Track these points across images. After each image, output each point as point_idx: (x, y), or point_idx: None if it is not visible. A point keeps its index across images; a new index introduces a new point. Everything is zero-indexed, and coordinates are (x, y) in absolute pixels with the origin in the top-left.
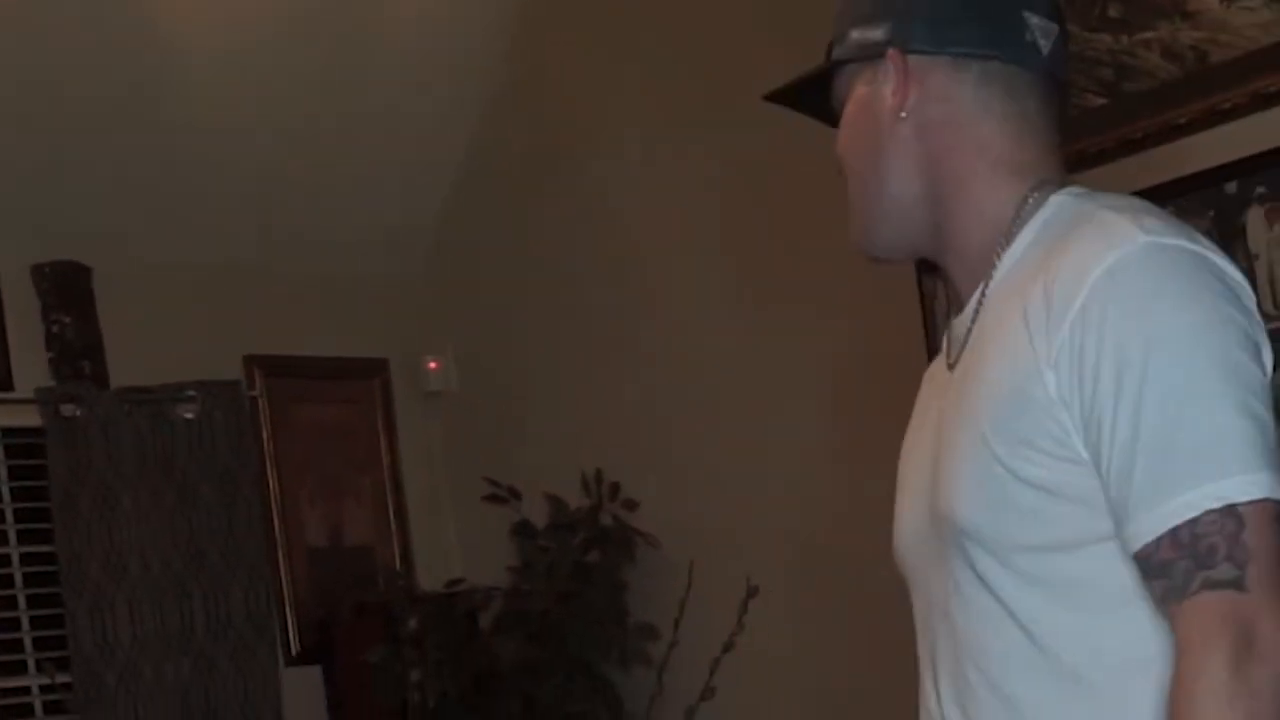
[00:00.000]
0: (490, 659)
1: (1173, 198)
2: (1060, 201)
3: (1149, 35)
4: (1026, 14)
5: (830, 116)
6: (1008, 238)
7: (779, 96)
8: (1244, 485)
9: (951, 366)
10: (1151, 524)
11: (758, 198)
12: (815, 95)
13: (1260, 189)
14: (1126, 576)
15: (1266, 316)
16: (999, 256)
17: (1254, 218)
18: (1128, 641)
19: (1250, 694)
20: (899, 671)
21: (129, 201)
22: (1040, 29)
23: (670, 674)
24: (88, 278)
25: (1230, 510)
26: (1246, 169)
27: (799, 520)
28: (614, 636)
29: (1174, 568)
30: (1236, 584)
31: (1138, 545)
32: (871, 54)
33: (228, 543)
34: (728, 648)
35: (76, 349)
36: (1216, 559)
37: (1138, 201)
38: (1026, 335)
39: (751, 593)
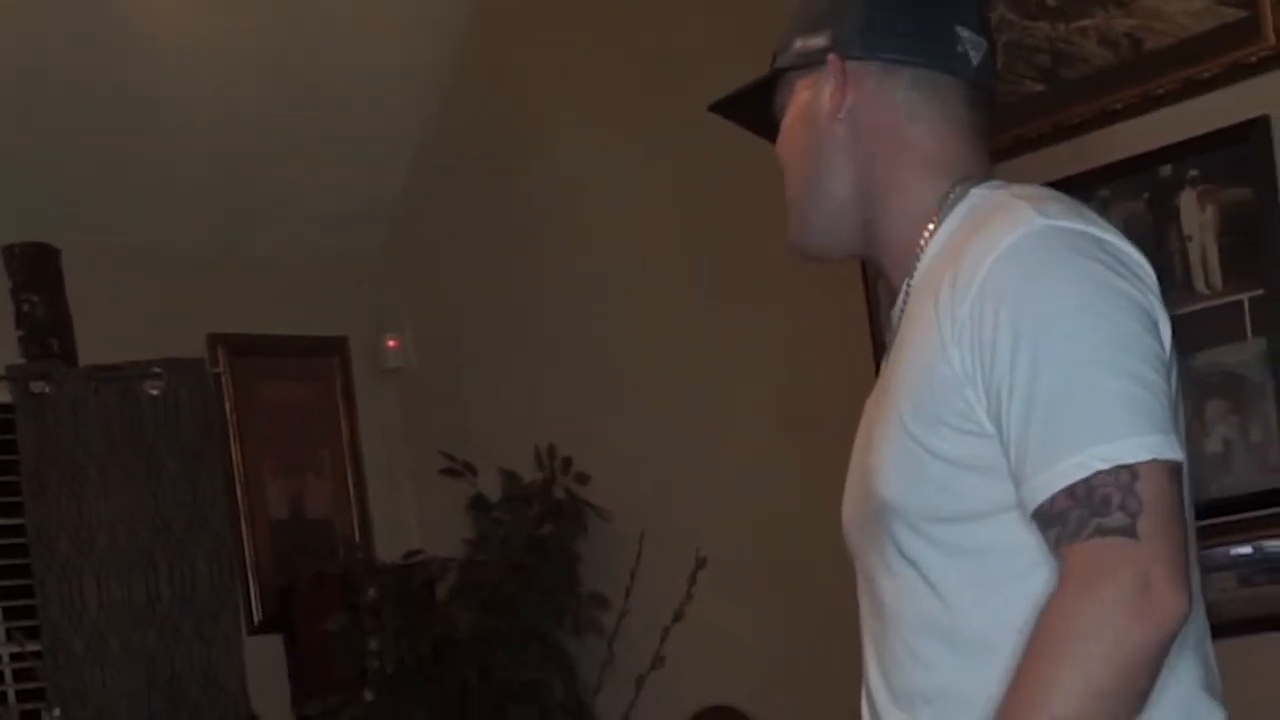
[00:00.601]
0: (447, 628)
1: (1108, 181)
2: (978, 194)
3: (1085, 23)
4: (959, 28)
5: (767, 128)
6: (930, 232)
7: (723, 106)
8: (1133, 447)
9: (887, 356)
10: (1047, 481)
11: (712, 181)
12: (757, 105)
13: (1193, 172)
14: (1033, 544)
15: (1200, 296)
16: (921, 250)
17: (1187, 200)
18: (1035, 607)
19: (1130, 641)
20: (842, 641)
21: (97, 185)
22: (970, 42)
23: (621, 643)
24: (57, 259)
25: (1122, 468)
26: (1180, 153)
27: (746, 494)
28: (567, 606)
29: (1068, 515)
30: (1128, 531)
31: (1034, 503)
32: (813, 60)
33: (192, 515)
34: (677, 617)
35: (46, 328)
36: (1110, 508)
37: (1046, 190)
38: (935, 318)
39: (700, 564)
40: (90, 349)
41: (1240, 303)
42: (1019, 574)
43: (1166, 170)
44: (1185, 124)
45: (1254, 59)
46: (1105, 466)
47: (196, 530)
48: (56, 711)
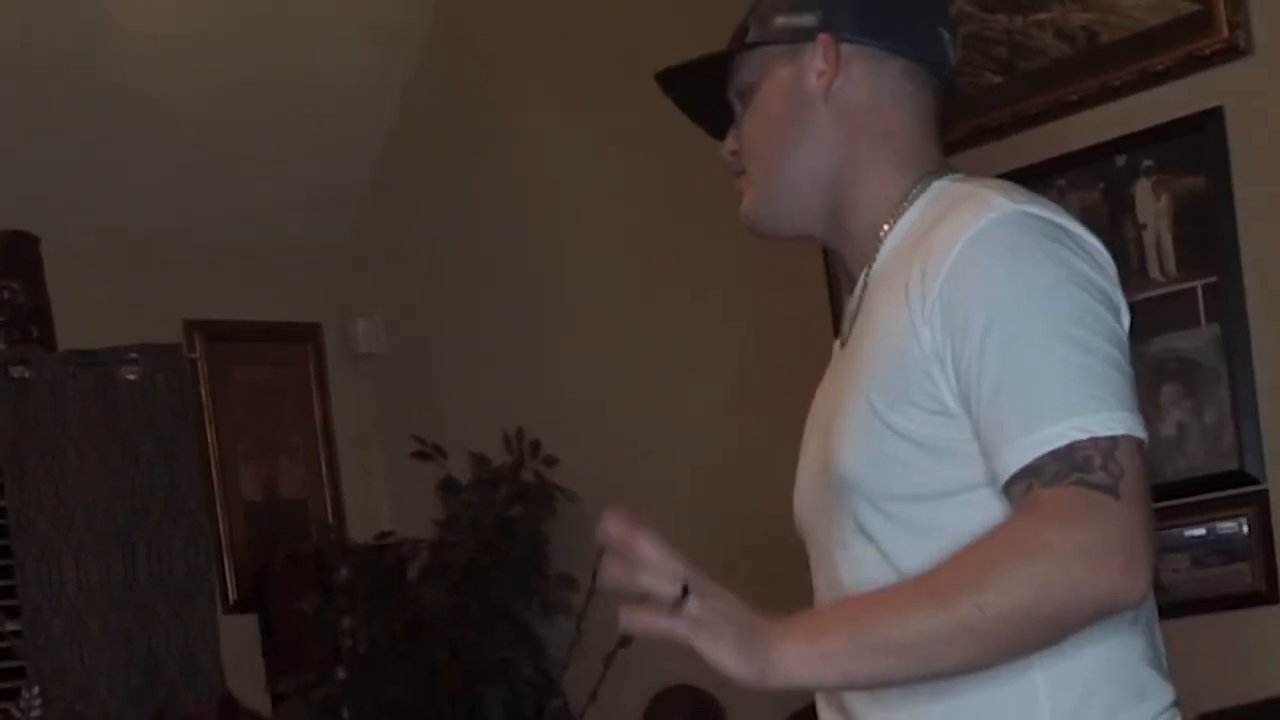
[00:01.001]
0: (418, 608)
1: (1065, 171)
2: (940, 185)
3: (1042, 16)
4: (940, 28)
5: (706, 109)
6: (893, 219)
7: (675, 73)
8: (1108, 421)
9: (844, 344)
10: (1024, 448)
11: (675, 169)
12: (706, 82)
13: (1148, 162)
14: (993, 522)
15: (1154, 283)
16: (882, 241)
17: (1142, 189)
18: None
19: (1089, 586)
20: None
21: (77, 175)
22: (949, 42)
23: (589, 622)
24: (36, 246)
25: (1100, 438)
26: (1135, 143)
27: (710, 477)
28: (535, 586)
29: (1044, 470)
30: (1111, 490)
31: (1010, 470)
32: (800, 38)
33: (168, 497)
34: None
35: (25, 314)
36: (1093, 467)
37: (1009, 183)
38: (905, 300)
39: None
40: (69, 335)
41: (1194, 289)
42: None
43: (1122, 160)
44: (1140, 115)
45: (1208, 51)
46: (1083, 436)
47: (173, 512)
48: (36, 690)
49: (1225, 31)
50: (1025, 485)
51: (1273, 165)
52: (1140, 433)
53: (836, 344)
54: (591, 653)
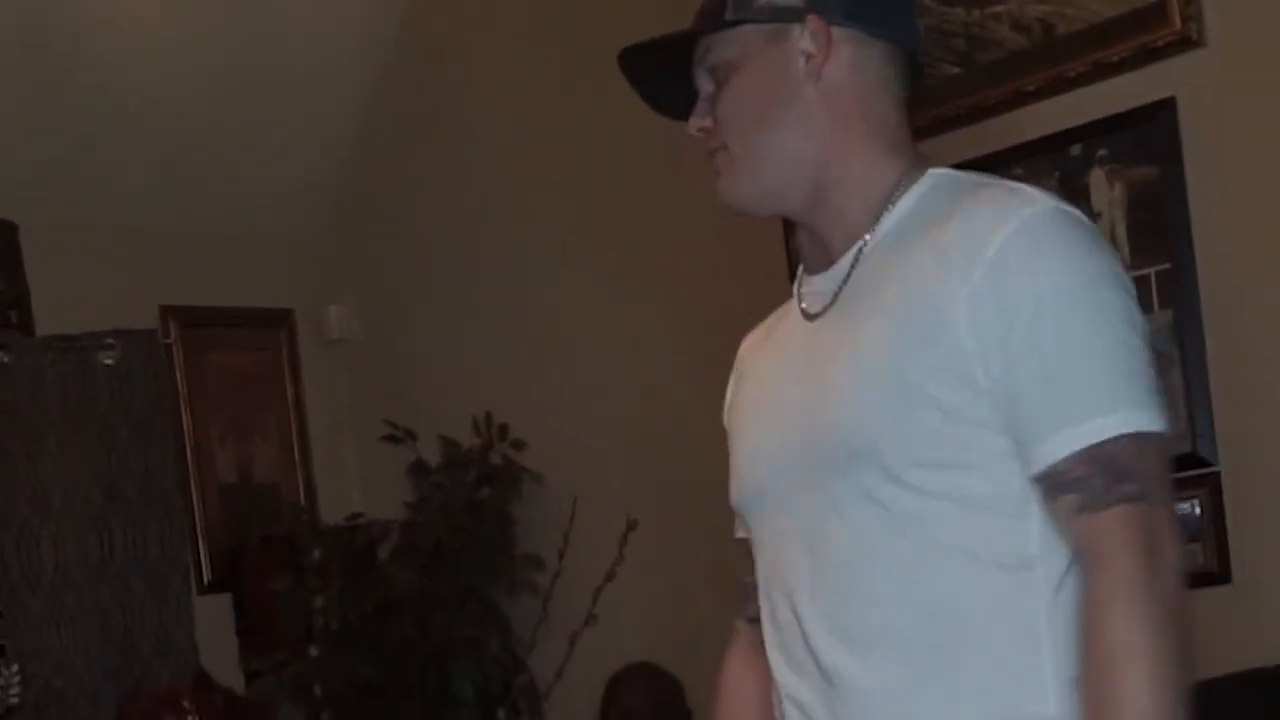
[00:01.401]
0: (388, 588)
1: (1021, 160)
2: (937, 174)
3: (999, 9)
4: (914, 16)
5: (663, 90)
6: (889, 202)
7: (641, 51)
8: (1148, 418)
9: (812, 317)
10: (1066, 442)
11: (644, 157)
12: (669, 59)
13: (1102, 152)
14: (1013, 489)
15: None
16: (879, 219)
17: (1096, 179)
18: (1012, 546)
19: (1162, 594)
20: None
21: (55, 163)
22: (921, 28)
23: (555, 602)
24: (15, 234)
25: (1136, 436)
26: (1089, 133)
27: (674, 460)
28: (503, 567)
29: (1089, 483)
30: (1146, 499)
31: (1049, 461)
32: (786, 18)
33: (145, 480)
34: (609, 577)
35: (5, 300)
36: (1129, 476)
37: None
38: (941, 276)
39: (631, 526)
40: (48, 320)
41: (1148, 276)
42: (1000, 514)
43: (1077, 149)
44: (1095, 105)
45: (1161, 43)
46: (1128, 430)
47: (148, 494)
48: (15, 668)
49: (1178, 24)
50: (1075, 503)
51: (1224, 154)
52: (1168, 430)
53: (793, 318)
54: (558, 631)
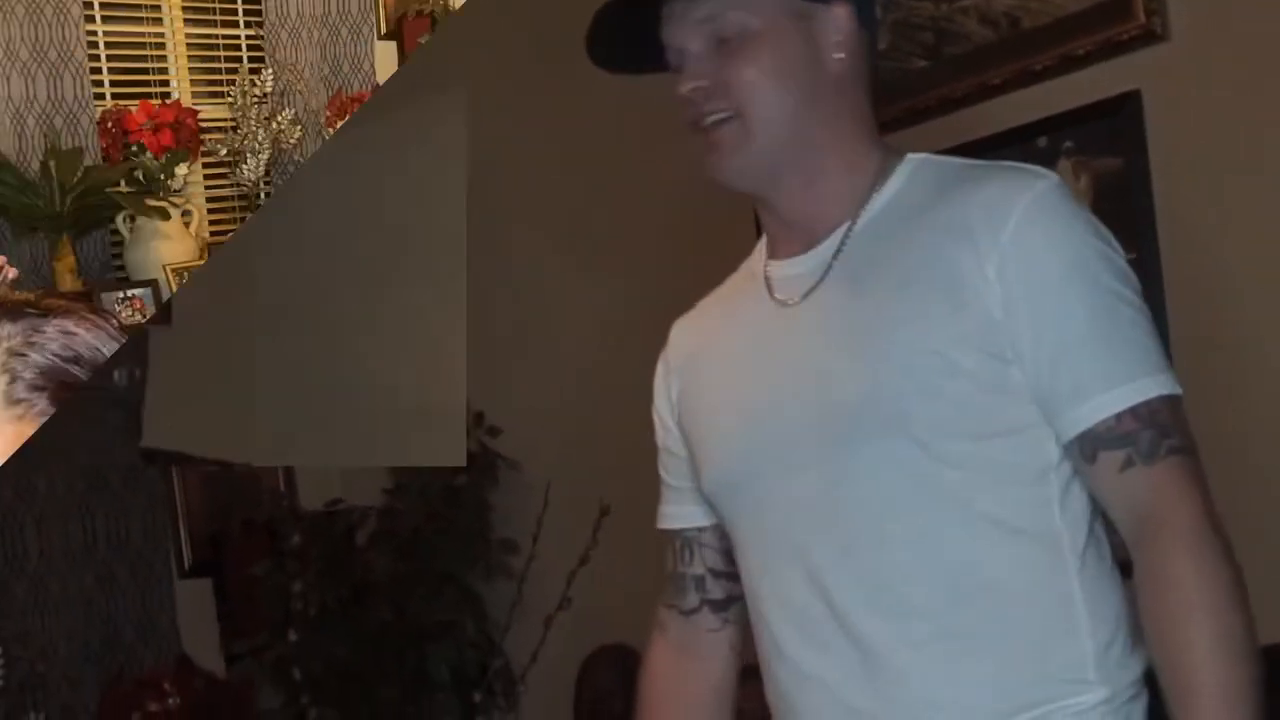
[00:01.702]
0: (366, 572)
1: (988, 151)
2: (916, 158)
3: (966, 3)
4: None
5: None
6: (877, 185)
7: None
8: (1171, 381)
9: (790, 302)
10: (1110, 401)
11: (614, 140)
12: (646, 14)
13: (1068, 144)
14: (1039, 459)
15: None
16: (867, 201)
17: (1063, 170)
18: (1040, 516)
19: (1225, 546)
20: None
21: None
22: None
23: (530, 585)
24: None
25: (1171, 397)
26: (1056, 125)
27: (646, 447)
28: (479, 552)
29: (1139, 436)
30: (1192, 451)
31: (1092, 421)
32: None
33: (128, 467)
34: (583, 561)
35: None
36: (1173, 430)
37: None
38: (961, 249)
39: (604, 512)
40: None
41: None
42: (1028, 482)
43: (1043, 142)
44: (1061, 98)
45: (1126, 36)
46: (1164, 392)
47: (131, 481)
48: None
49: (1143, 18)
50: (1124, 457)
51: (1187, 146)
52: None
53: (750, 305)
54: (533, 615)
